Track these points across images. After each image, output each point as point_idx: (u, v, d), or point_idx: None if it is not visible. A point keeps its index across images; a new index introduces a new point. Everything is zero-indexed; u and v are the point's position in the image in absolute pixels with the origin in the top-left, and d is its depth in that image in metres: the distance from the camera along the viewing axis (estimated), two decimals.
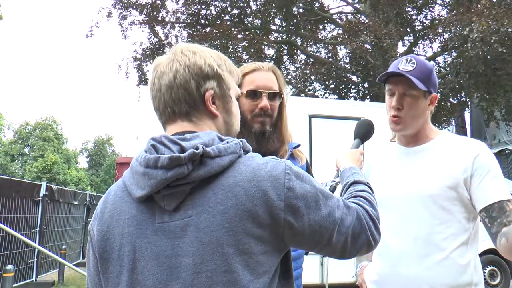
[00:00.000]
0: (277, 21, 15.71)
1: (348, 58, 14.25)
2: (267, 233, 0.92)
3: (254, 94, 1.60)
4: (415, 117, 1.61)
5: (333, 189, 1.44)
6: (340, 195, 1.19)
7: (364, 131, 1.66)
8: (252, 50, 13.12)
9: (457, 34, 10.52)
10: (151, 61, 15.08)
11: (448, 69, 12.46)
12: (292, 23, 14.73)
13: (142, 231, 0.95)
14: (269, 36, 15.06)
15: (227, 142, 0.98)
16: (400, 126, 1.62)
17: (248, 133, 1.57)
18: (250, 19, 15.63)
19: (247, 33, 14.31)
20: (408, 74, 1.55)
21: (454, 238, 1.51)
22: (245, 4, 15.17)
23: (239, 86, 1.25)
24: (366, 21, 12.93)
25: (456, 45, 10.94)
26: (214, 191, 0.93)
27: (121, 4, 14.96)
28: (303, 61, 15.03)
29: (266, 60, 13.57)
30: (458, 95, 13.48)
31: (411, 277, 1.53)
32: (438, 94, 1.68)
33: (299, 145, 1.74)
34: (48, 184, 9.62)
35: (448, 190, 1.51)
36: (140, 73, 15.42)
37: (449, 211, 1.51)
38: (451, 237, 1.51)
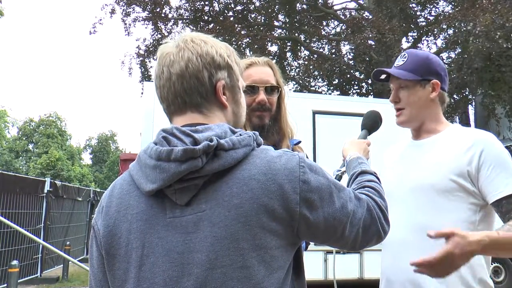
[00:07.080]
0: (280, 17, 15.66)
1: (351, 54, 14.20)
2: (282, 227, 0.90)
3: (251, 89, 1.59)
4: (415, 106, 1.62)
5: (339, 178, 1.44)
6: (348, 185, 1.18)
7: (372, 123, 1.68)
8: (256, 46, 13.10)
9: (461, 29, 10.45)
10: (154, 57, 15.08)
11: (452, 65, 12.39)
12: (295, 20, 14.69)
13: (152, 226, 0.92)
14: (273, 33, 15.02)
15: (240, 135, 0.95)
16: (403, 118, 1.65)
17: (247, 127, 1.55)
18: (253, 15, 15.58)
19: (250, 29, 14.28)
20: (396, 69, 1.62)
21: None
22: (249, 1, 15.13)
23: None
24: (370, 17, 12.88)
25: (459, 41, 10.88)
26: (229, 185, 0.90)
27: (124, 0, 14.94)
28: (306, 57, 15.00)
29: (270, 57, 13.54)
30: (462, 91, 13.41)
31: (412, 269, 1.49)
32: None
33: (299, 142, 1.74)
34: (52, 181, 9.68)
35: (451, 181, 1.49)
36: (143, 69, 15.42)
37: (453, 203, 1.48)
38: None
